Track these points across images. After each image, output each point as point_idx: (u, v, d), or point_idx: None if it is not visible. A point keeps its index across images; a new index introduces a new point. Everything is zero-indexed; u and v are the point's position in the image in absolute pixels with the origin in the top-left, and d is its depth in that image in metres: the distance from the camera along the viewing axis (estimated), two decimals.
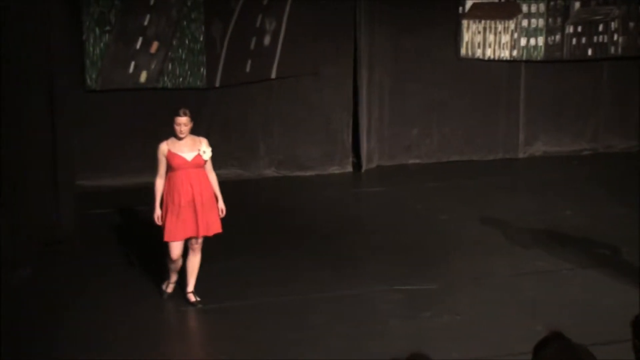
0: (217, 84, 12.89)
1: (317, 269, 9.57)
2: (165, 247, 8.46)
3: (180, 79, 12.68)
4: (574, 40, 14.27)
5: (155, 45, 12.54)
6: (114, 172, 12.53)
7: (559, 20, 14.16)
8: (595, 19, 14.26)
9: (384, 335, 7.97)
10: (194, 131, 8.44)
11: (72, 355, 7.64)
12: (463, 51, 13.99)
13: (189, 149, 8.33)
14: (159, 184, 8.40)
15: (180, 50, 12.64)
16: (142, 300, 8.78)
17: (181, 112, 8.28)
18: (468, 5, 13.86)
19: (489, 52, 14.06)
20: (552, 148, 14.59)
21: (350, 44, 13.43)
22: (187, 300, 8.62)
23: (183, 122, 8.27)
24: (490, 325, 8.12)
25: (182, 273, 8.66)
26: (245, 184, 12.94)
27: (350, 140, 13.74)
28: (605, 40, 14.37)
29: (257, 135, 13.35)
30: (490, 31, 13.99)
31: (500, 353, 7.49)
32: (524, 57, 14.17)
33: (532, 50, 14.15)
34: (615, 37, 14.38)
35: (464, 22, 13.89)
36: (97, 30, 12.26)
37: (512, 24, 14.02)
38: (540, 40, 14.14)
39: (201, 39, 12.68)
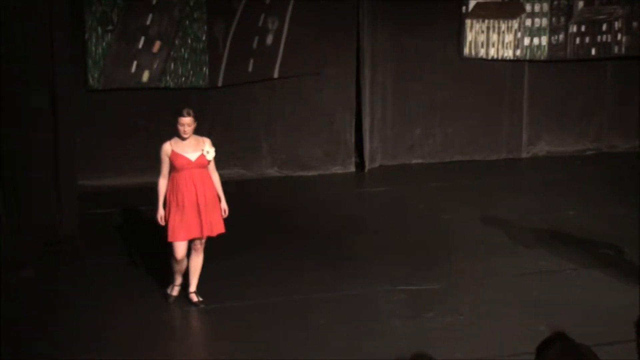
0: (220, 84, 12.87)
1: (319, 269, 9.56)
2: (169, 248, 8.45)
3: (183, 79, 12.66)
4: (578, 40, 14.24)
5: (157, 45, 12.52)
6: (116, 171, 12.52)
7: (562, 19, 14.13)
8: (598, 18, 14.23)
9: (386, 335, 7.95)
10: (197, 131, 8.41)
11: (74, 355, 7.62)
12: (466, 51, 13.97)
13: (193, 149, 8.31)
14: (162, 184, 8.37)
15: (182, 50, 12.62)
16: (144, 300, 8.76)
17: (185, 112, 8.25)
18: (471, 4, 13.84)
19: (492, 52, 14.04)
20: (556, 148, 14.57)
21: (353, 43, 13.41)
22: (190, 300, 8.61)
23: (187, 123, 8.25)
24: (493, 325, 8.10)
25: (185, 273, 8.64)
26: (248, 183, 12.93)
27: (352, 140, 13.72)
28: (609, 39, 14.35)
29: (260, 135, 13.33)
30: (493, 31, 13.97)
31: (503, 353, 7.48)
32: (528, 57, 14.15)
33: (535, 49, 14.13)
34: (619, 36, 14.35)
35: (467, 22, 13.87)
36: (100, 30, 12.24)
37: (515, 24, 13.99)
38: (544, 40, 14.12)
39: (204, 38, 12.66)
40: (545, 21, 14.07)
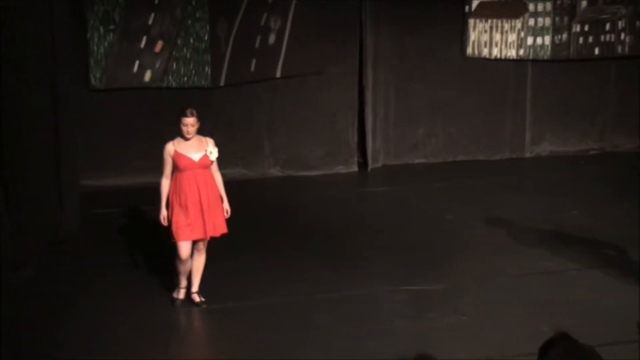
0: (222, 83, 12.86)
1: (321, 269, 9.53)
2: (172, 249, 8.43)
3: (185, 78, 12.64)
4: (581, 40, 14.21)
5: (159, 44, 12.50)
6: (117, 171, 12.50)
7: (565, 19, 14.10)
8: (602, 18, 14.20)
9: (388, 335, 7.93)
10: (199, 131, 8.38)
11: (74, 355, 7.60)
12: (469, 50, 13.95)
13: (196, 149, 8.28)
14: (165, 184, 8.34)
15: (184, 49, 12.60)
16: (146, 300, 8.74)
17: (188, 112, 8.21)
18: (474, 4, 13.81)
19: (495, 51, 14.01)
20: (559, 148, 14.54)
21: (356, 43, 13.40)
22: (192, 301, 8.58)
23: (190, 123, 8.21)
24: (495, 325, 8.07)
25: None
26: (250, 183, 12.91)
27: (355, 139, 13.70)
28: (612, 39, 14.32)
29: (262, 135, 13.31)
30: (496, 30, 13.94)
31: (505, 354, 7.45)
32: (531, 56, 14.12)
33: (538, 49, 14.10)
34: (622, 36, 14.32)
35: (471, 21, 13.84)
36: (102, 29, 12.23)
37: (518, 23, 13.97)
38: (547, 40, 14.09)
39: (206, 38, 12.65)
40: (548, 21, 14.04)
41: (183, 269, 8.45)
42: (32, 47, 9.74)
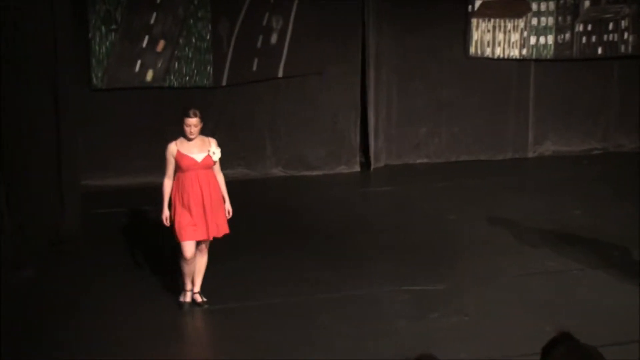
0: (224, 83, 12.84)
1: (323, 269, 9.51)
2: (176, 250, 8.41)
3: (187, 78, 12.63)
4: (584, 39, 14.19)
5: (161, 44, 12.49)
6: (119, 171, 12.49)
7: (568, 18, 14.08)
8: (605, 17, 14.17)
9: (391, 335, 7.91)
10: (201, 131, 8.35)
11: (74, 355, 7.58)
12: (472, 50, 13.93)
13: (199, 149, 8.25)
14: (167, 184, 8.32)
15: (186, 49, 12.60)
16: (147, 300, 8.72)
17: (191, 112, 8.18)
18: (477, 3, 13.80)
19: (498, 51, 13.99)
20: (562, 147, 14.52)
21: (358, 42, 13.38)
22: (194, 301, 8.56)
23: (193, 124, 8.18)
24: (498, 325, 8.06)
25: None
26: (252, 183, 12.90)
27: (357, 139, 13.69)
28: (616, 38, 14.29)
29: (264, 135, 13.30)
30: (499, 30, 13.92)
31: (508, 354, 7.43)
32: (534, 56, 14.11)
33: (541, 48, 14.08)
34: (626, 35, 14.30)
35: (473, 21, 13.83)
36: (103, 29, 12.22)
37: (521, 23, 13.94)
38: (550, 39, 14.07)
39: (208, 37, 12.64)
40: (551, 20, 14.02)
41: (188, 269, 8.41)
42: (33, 46, 9.73)
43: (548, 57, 14.14)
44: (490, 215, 11.16)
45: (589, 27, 14.17)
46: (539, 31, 14.01)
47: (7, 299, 8.40)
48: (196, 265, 8.46)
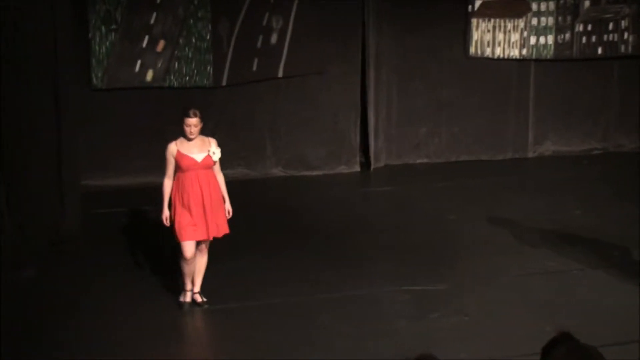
0: (224, 83, 12.84)
1: (324, 269, 9.51)
2: (176, 249, 8.41)
3: (187, 78, 12.63)
4: (584, 39, 14.18)
5: (161, 44, 12.49)
6: (119, 171, 12.48)
7: (568, 18, 14.08)
8: (605, 17, 14.17)
9: (391, 335, 7.90)
10: (201, 131, 8.35)
11: (74, 355, 7.58)
12: (472, 50, 13.93)
13: (199, 149, 8.24)
14: (167, 184, 8.31)
15: (186, 49, 12.59)
16: (147, 300, 8.71)
17: (191, 113, 8.17)
18: (477, 3, 13.80)
19: (498, 51, 13.99)
20: (562, 147, 14.52)
21: (358, 42, 13.38)
22: (194, 301, 8.56)
23: (193, 124, 8.18)
24: (498, 325, 8.05)
25: None
26: (252, 183, 12.89)
27: (357, 139, 13.68)
28: (616, 38, 14.29)
29: (264, 135, 13.29)
30: (499, 30, 13.91)
31: (508, 354, 7.43)
32: (534, 56, 14.10)
33: (541, 48, 14.07)
34: (626, 35, 14.30)
35: (473, 21, 13.82)
36: (103, 29, 12.21)
37: (521, 23, 13.94)
38: (550, 39, 14.06)
39: (208, 37, 12.63)
40: (551, 20, 14.02)
41: (188, 269, 8.41)
42: (33, 46, 9.72)
43: (548, 57, 14.13)
44: (490, 215, 11.16)
45: (589, 27, 14.16)
46: (539, 31, 14.00)
47: (7, 299, 8.40)
48: (196, 265, 8.45)
